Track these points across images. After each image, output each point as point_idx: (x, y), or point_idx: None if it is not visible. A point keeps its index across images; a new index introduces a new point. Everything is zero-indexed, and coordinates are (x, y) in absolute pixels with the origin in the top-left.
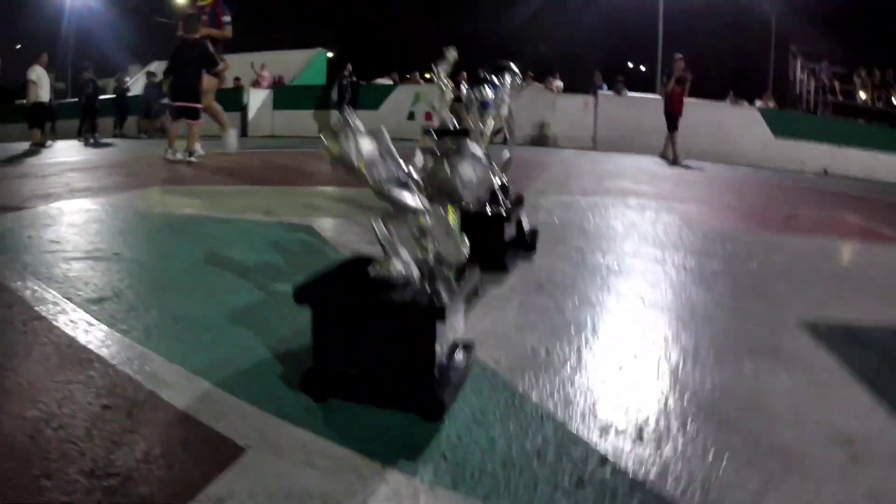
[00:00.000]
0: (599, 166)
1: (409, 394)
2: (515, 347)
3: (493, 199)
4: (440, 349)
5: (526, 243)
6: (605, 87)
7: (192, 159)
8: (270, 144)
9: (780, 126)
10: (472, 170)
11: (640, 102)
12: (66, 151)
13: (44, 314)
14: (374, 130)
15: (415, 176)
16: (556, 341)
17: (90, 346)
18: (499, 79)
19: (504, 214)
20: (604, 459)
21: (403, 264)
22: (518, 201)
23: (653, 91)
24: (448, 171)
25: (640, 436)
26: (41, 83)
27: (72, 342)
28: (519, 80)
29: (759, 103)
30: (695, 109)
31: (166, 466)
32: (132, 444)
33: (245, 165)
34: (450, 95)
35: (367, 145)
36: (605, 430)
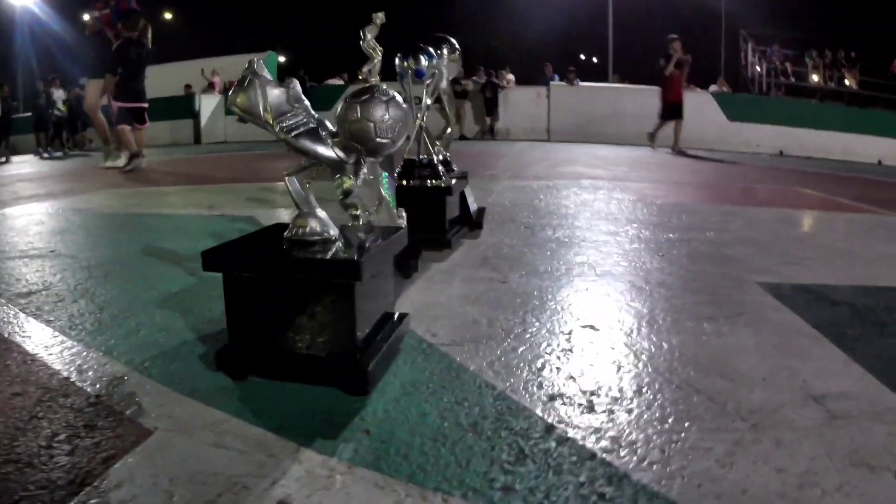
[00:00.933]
0: (553, 154)
1: (330, 366)
2: (455, 319)
3: (434, 173)
4: (363, 317)
5: (471, 220)
6: (556, 78)
7: (131, 167)
8: (221, 149)
9: (734, 110)
10: (385, 109)
11: (592, 92)
12: (19, 165)
13: None
14: (284, 80)
15: (328, 125)
16: (499, 312)
17: (12, 338)
18: (436, 50)
19: (446, 188)
20: (549, 429)
21: (319, 222)
22: (462, 177)
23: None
24: (358, 113)
25: (590, 405)
26: None
27: None
28: (457, 54)
29: (712, 88)
30: (647, 96)
31: (68, 452)
32: (37, 430)
33: (193, 168)
34: (378, 58)
35: (275, 95)
36: (551, 400)
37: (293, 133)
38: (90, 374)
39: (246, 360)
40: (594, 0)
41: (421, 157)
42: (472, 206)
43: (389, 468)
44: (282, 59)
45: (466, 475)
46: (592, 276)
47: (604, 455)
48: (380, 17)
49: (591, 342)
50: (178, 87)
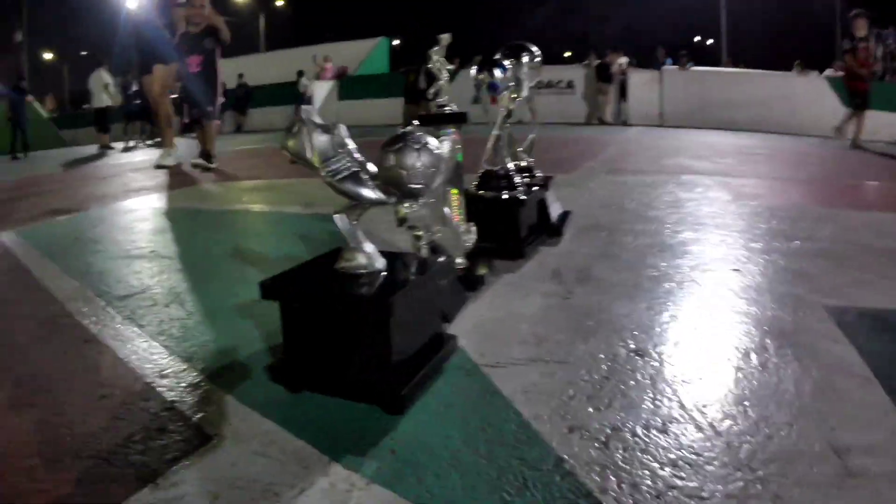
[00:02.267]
0: (661, 143)
1: (371, 386)
2: (506, 338)
3: (510, 184)
4: (402, 342)
5: (551, 228)
6: (669, 62)
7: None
8: None
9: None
10: (417, 157)
11: (705, 76)
12: (128, 154)
13: (70, 310)
14: (329, 125)
15: (369, 168)
16: (551, 332)
17: (106, 341)
18: (516, 60)
19: (520, 198)
20: (559, 462)
21: (366, 256)
22: (542, 184)
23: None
24: (392, 161)
25: (605, 442)
26: (97, 88)
27: (90, 337)
28: (537, 61)
29: (827, 72)
30: (762, 81)
31: (140, 452)
32: (117, 430)
33: None
34: (445, 78)
35: (320, 140)
36: (570, 431)
37: (337, 177)
38: (169, 379)
39: (300, 374)
40: None
41: (499, 167)
42: (555, 212)
43: (403, 488)
44: (395, 42)
45: (467, 502)
46: (659, 292)
47: (599, 493)
48: (445, 39)
49: (631, 370)
50: (290, 73)
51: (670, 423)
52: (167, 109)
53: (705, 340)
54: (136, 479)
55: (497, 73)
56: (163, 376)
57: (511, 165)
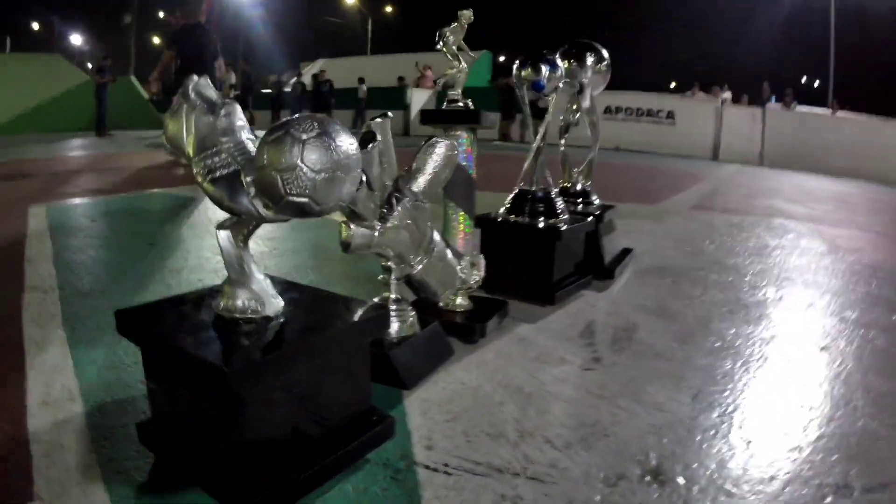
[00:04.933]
0: (757, 182)
1: (222, 485)
2: (477, 424)
3: (549, 209)
4: (271, 426)
5: (602, 268)
6: (773, 99)
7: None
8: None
9: None
10: (299, 154)
11: (809, 118)
12: None
13: (22, 301)
14: (217, 102)
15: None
16: (546, 423)
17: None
18: (578, 61)
19: (558, 228)
20: None
21: (251, 295)
22: (598, 214)
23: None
24: (264, 158)
25: None
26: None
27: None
28: (605, 65)
29: None
30: (866, 129)
31: None
32: None
33: None
34: (461, 66)
35: (204, 124)
36: None
37: (209, 177)
38: (45, 409)
39: (164, 442)
40: (816, 19)
41: (538, 188)
42: (611, 249)
43: None
44: (501, 59)
45: None
46: (715, 374)
47: None
48: (466, 16)
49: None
50: (391, 78)
51: None
52: None
53: (763, 464)
54: None
55: (543, 69)
56: (44, 403)
57: (555, 189)
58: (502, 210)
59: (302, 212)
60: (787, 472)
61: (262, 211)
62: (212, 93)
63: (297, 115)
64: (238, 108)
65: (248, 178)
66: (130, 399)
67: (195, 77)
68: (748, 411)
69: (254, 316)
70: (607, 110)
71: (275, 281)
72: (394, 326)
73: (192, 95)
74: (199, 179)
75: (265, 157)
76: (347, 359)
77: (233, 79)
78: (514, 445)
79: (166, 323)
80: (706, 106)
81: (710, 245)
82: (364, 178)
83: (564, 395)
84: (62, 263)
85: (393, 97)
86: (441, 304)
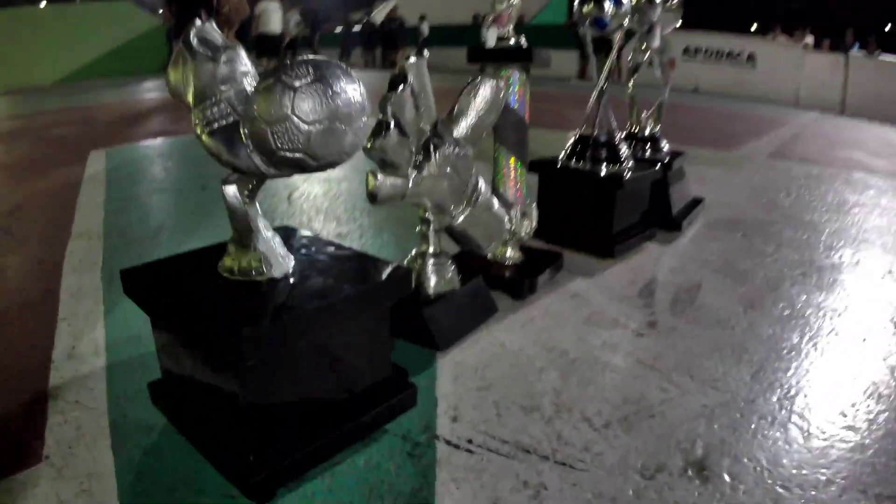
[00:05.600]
0: (837, 132)
1: (225, 458)
2: (510, 395)
3: (612, 155)
4: (277, 397)
5: (669, 220)
6: (857, 46)
7: None
8: None
9: None
10: (289, 103)
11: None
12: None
13: (68, 249)
14: (219, 46)
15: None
16: (587, 397)
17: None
18: None
19: (620, 176)
20: None
21: (254, 257)
22: (667, 161)
23: None
24: (256, 108)
25: None
26: (264, 17)
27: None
28: (675, 2)
29: None
30: None
31: None
32: None
33: None
34: (513, 1)
35: (207, 72)
36: None
37: (207, 129)
38: (63, 362)
39: (173, 403)
40: None
41: (601, 132)
42: (680, 198)
43: None
44: None
45: None
46: (780, 348)
47: None
48: None
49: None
50: (465, 15)
51: None
52: None
53: (820, 463)
54: None
55: (607, 5)
56: (70, 356)
57: (621, 134)
58: (562, 155)
59: (299, 167)
60: (846, 477)
61: (262, 166)
62: (216, 36)
63: (301, 58)
64: (241, 52)
65: (245, 131)
66: (155, 355)
67: (198, 21)
68: (811, 396)
69: (259, 278)
70: (685, 51)
71: (294, 236)
72: (431, 281)
73: (195, 42)
74: (198, 131)
75: (255, 107)
76: (361, 325)
77: (297, 17)
78: (548, 421)
79: (167, 285)
80: (789, 50)
81: (786, 198)
82: (393, 123)
83: (612, 363)
84: (112, 209)
85: (467, 36)
86: (489, 257)
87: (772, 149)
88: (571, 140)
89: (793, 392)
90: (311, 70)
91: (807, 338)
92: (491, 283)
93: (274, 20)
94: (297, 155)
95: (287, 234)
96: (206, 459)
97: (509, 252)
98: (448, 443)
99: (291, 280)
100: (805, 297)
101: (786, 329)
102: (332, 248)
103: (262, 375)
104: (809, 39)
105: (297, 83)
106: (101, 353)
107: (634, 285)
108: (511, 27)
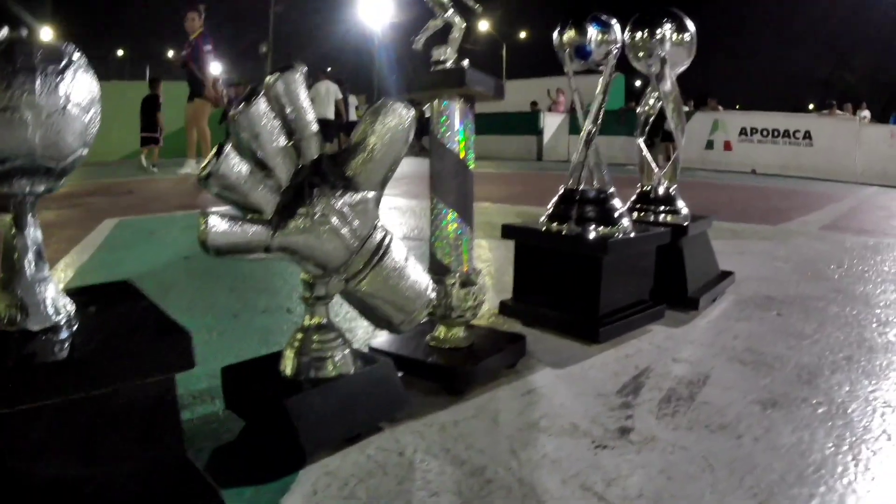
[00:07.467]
0: None
1: None
2: None
3: (603, 215)
4: None
5: (683, 296)
6: None
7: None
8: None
9: None
10: None
11: None
12: None
13: None
14: None
15: None
16: None
17: None
18: (650, 31)
19: (609, 239)
20: None
21: (17, 302)
22: (678, 225)
23: None
24: None
25: None
26: (318, 99)
27: None
28: (686, 36)
29: None
30: None
31: None
32: None
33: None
34: (449, 13)
35: None
36: None
37: None
38: None
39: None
40: None
41: (592, 188)
42: (699, 271)
43: None
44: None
45: None
46: (797, 472)
47: None
48: None
49: None
50: (524, 103)
51: None
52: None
53: None
54: None
55: (591, 30)
56: None
57: (609, 187)
58: (543, 218)
59: None
60: None
61: None
62: None
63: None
64: None
65: None
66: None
67: None
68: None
69: (10, 328)
70: (742, 132)
71: (117, 290)
72: (302, 362)
73: None
74: None
75: None
76: (126, 412)
77: (355, 101)
78: None
79: None
80: (845, 124)
81: (836, 270)
82: (231, 146)
83: (542, 489)
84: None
85: (525, 122)
86: (427, 337)
87: (825, 222)
88: (555, 199)
89: (810, 468)
90: None
91: (845, 445)
92: (423, 372)
93: (325, 103)
94: None
95: (113, 288)
96: None
97: (454, 331)
98: None
99: (49, 336)
100: (848, 387)
101: (816, 434)
102: (132, 300)
103: None
104: (866, 113)
105: None
106: None
107: (618, 378)
108: (450, 49)
